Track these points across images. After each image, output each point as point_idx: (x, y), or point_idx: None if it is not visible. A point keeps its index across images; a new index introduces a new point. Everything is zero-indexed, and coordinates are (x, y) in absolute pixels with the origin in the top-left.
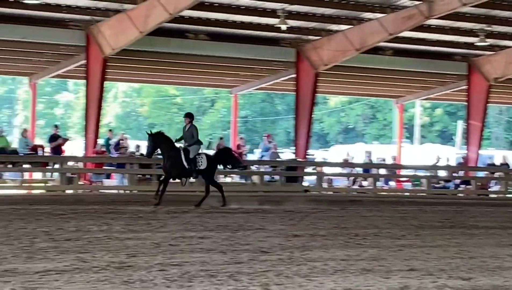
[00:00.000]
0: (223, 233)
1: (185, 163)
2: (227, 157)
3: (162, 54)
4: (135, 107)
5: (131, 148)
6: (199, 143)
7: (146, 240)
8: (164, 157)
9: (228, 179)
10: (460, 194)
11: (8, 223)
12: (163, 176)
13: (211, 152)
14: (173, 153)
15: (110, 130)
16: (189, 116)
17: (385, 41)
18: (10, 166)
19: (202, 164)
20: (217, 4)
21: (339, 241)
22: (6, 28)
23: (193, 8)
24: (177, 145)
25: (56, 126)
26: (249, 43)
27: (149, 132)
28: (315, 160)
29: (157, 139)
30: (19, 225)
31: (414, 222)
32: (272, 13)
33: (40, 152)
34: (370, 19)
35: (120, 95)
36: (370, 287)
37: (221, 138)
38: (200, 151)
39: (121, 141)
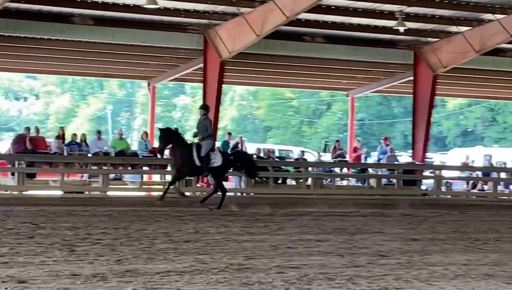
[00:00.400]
0: (340, 236)
1: (196, 160)
2: (245, 162)
3: (279, 57)
4: (252, 110)
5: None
6: (211, 137)
7: (263, 243)
8: (176, 154)
9: (344, 182)
10: None
11: (128, 224)
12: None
13: (328, 155)
14: (185, 149)
15: (229, 133)
16: (205, 108)
17: (506, 43)
18: (130, 168)
19: (216, 161)
20: (333, 7)
21: (459, 245)
22: (126, 32)
23: (310, 11)
24: (192, 141)
25: (176, 129)
26: (366, 45)
27: (160, 127)
28: (433, 163)
29: (168, 135)
30: (139, 226)
31: None
32: (390, 15)
33: (159, 155)
34: (490, 20)
35: (236, 98)
36: None
37: (337, 141)
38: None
39: (238, 144)
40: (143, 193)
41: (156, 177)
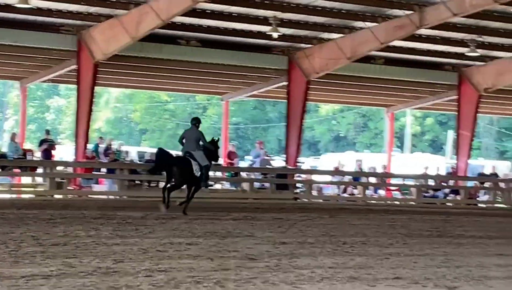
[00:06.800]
0: (211, 239)
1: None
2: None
3: (154, 60)
4: (127, 113)
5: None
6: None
7: (133, 246)
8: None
9: (218, 186)
10: (449, 204)
11: None
12: None
13: None
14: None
15: (101, 137)
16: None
17: (376, 50)
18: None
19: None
20: (209, 11)
21: (327, 249)
22: None
23: (185, 14)
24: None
25: (47, 131)
26: (241, 50)
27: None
28: (306, 168)
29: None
30: (7, 229)
31: (402, 230)
32: (264, 21)
33: (29, 157)
34: (361, 28)
35: (112, 101)
36: None
37: None
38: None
39: (109, 147)
40: (12, 195)
41: (26, 179)
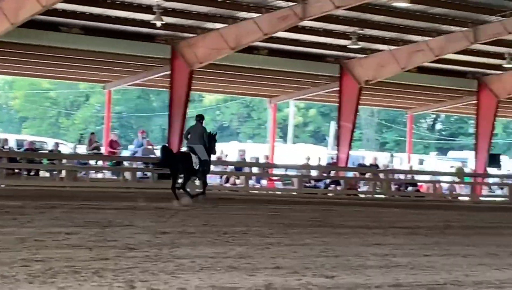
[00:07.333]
0: (91, 229)
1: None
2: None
3: (35, 47)
4: (7, 100)
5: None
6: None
7: (10, 235)
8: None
9: (99, 175)
10: (330, 194)
11: None
12: None
13: (83, 147)
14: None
15: None
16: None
17: (260, 41)
18: None
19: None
20: None
21: (207, 238)
22: None
23: (67, 1)
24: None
25: None
26: (124, 38)
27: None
28: None
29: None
30: None
31: (283, 220)
32: (148, 9)
33: None
34: (245, 19)
35: None
36: (235, 285)
37: (92, 133)
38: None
39: None
40: None
41: None
